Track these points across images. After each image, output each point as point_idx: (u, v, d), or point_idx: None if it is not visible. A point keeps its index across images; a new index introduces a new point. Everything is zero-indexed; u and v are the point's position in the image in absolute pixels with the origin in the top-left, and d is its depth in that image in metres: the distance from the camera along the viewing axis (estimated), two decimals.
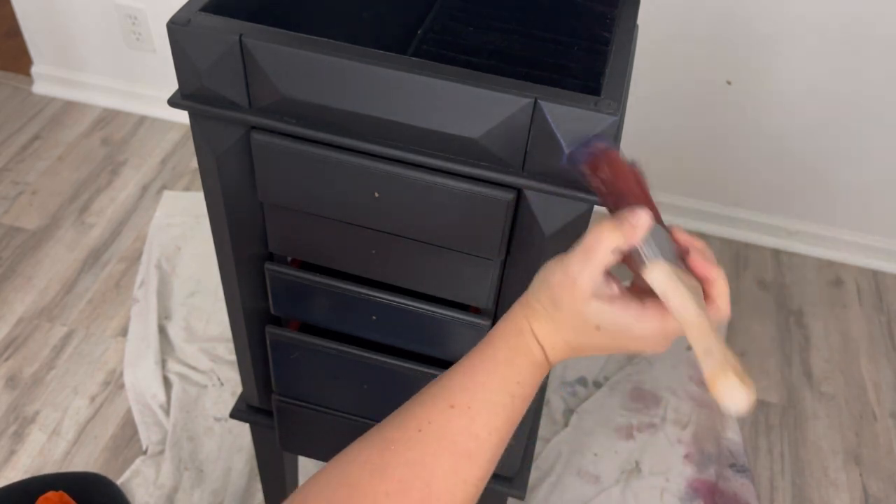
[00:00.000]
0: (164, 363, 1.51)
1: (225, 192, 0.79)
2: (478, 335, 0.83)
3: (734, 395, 0.45)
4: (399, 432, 0.52)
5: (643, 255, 0.53)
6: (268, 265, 0.85)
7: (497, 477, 1.04)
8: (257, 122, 0.70)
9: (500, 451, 0.54)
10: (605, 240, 0.53)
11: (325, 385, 0.96)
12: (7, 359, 1.52)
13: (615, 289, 0.54)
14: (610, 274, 0.54)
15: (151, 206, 1.85)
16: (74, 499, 0.83)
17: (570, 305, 0.53)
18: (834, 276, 1.85)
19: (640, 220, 0.53)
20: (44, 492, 0.82)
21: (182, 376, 1.49)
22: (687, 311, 0.49)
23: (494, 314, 0.83)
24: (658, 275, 0.51)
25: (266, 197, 0.77)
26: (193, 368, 1.51)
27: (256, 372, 1.01)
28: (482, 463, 0.53)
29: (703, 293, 0.53)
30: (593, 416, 1.50)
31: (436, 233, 0.74)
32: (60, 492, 0.82)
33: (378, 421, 0.94)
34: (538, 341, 0.55)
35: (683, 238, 0.55)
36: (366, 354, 0.89)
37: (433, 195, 0.70)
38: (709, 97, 1.70)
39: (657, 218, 0.55)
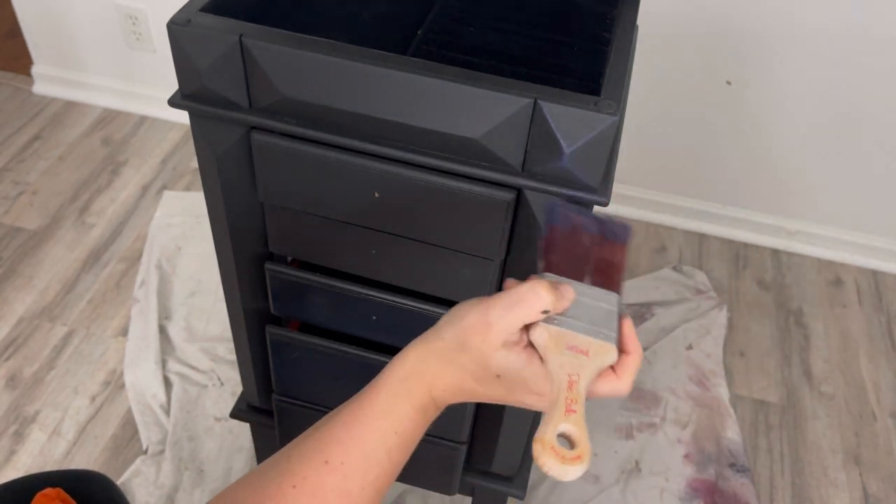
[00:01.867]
0: (164, 363, 1.51)
1: (225, 192, 0.79)
2: None
3: (547, 465, 0.47)
4: (275, 488, 0.51)
5: (554, 318, 0.53)
6: (268, 265, 0.85)
7: (497, 477, 1.04)
8: (257, 122, 0.70)
9: (377, 501, 0.53)
10: (541, 298, 0.52)
11: (325, 385, 0.96)
12: (7, 359, 1.52)
13: (525, 341, 0.53)
14: (523, 329, 0.53)
15: (151, 206, 1.85)
16: (72, 496, 0.83)
17: (477, 349, 0.52)
18: (834, 276, 1.85)
19: (569, 294, 0.54)
20: (42, 489, 0.82)
21: (182, 376, 1.49)
22: (551, 363, 0.51)
23: None
24: (541, 330, 0.52)
25: (266, 197, 0.77)
26: (193, 368, 1.51)
27: (256, 372, 1.01)
28: None
29: (616, 365, 0.53)
30: (593, 416, 1.50)
31: (436, 233, 0.74)
32: (58, 488, 0.82)
33: None
34: (427, 383, 0.53)
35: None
36: (366, 354, 0.89)
37: (433, 195, 0.70)
38: (709, 97, 1.70)
39: (614, 283, 0.57)
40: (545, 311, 0.52)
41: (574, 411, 0.48)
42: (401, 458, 0.54)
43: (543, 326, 0.52)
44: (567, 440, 0.48)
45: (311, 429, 0.54)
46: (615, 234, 0.60)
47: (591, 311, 0.54)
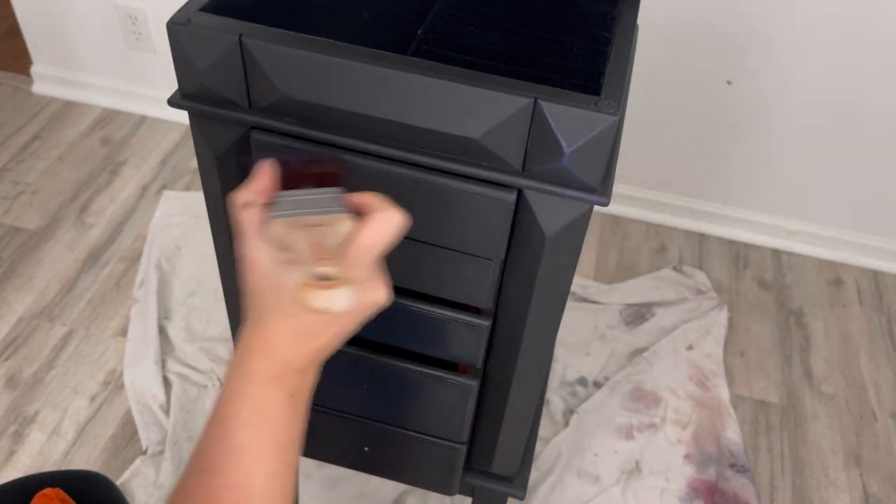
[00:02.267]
0: (164, 363, 1.51)
1: (225, 192, 0.79)
2: (478, 335, 0.83)
3: (315, 298, 0.47)
4: None
5: (273, 214, 0.56)
6: None
7: (497, 477, 1.04)
8: (257, 122, 0.70)
9: (279, 482, 0.52)
10: (235, 201, 0.55)
11: (325, 385, 0.96)
12: (7, 359, 1.52)
13: (291, 251, 0.53)
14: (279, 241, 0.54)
15: (151, 206, 1.85)
16: (72, 496, 0.83)
17: (260, 286, 0.52)
18: (834, 276, 1.85)
19: (259, 168, 0.56)
20: (41, 489, 0.82)
21: (182, 376, 1.49)
22: (296, 242, 0.53)
23: (494, 314, 0.83)
24: (274, 226, 0.54)
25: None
26: (193, 368, 1.51)
27: None
28: None
29: (367, 214, 0.55)
30: (593, 416, 1.50)
31: (436, 233, 0.74)
32: (57, 489, 0.82)
33: (378, 421, 0.94)
34: (259, 353, 0.52)
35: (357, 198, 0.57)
36: (366, 354, 0.89)
37: (433, 195, 0.70)
38: (709, 97, 1.70)
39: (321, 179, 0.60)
40: (247, 203, 0.55)
41: (325, 258, 0.50)
42: (274, 430, 0.52)
43: (273, 223, 0.54)
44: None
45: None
46: (326, 155, 0.67)
47: (314, 203, 0.57)
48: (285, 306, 0.51)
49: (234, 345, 0.55)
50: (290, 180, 0.61)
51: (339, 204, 0.57)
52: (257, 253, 0.53)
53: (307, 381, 0.54)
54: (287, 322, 0.52)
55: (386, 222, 0.54)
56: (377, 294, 0.53)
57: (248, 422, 0.51)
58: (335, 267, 0.49)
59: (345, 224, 0.54)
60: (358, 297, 0.50)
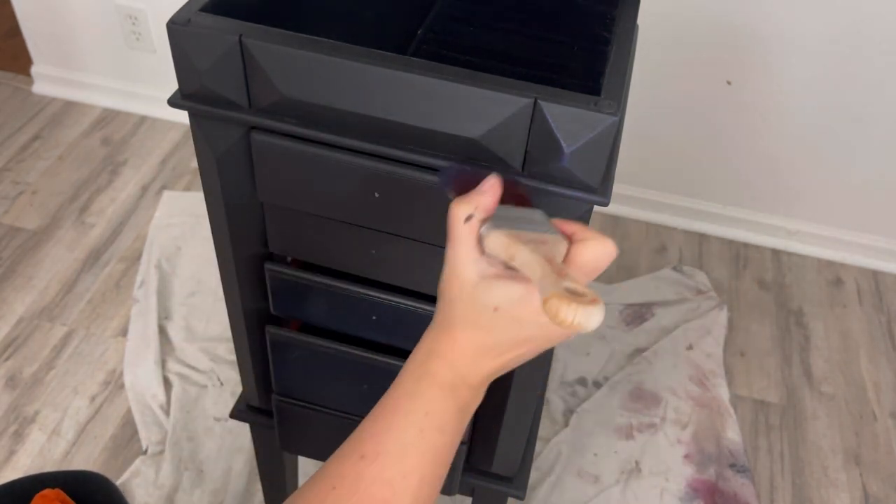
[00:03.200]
0: (164, 363, 1.51)
1: (225, 192, 0.79)
2: None
3: (570, 312, 0.44)
4: (314, 493, 0.50)
5: (491, 226, 0.52)
6: (268, 265, 0.85)
7: (497, 477, 1.04)
8: (257, 122, 0.70)
9: (426, 492, 0.52)
10: (455, 213, 0.52)
11: (325, 385, 0.96)
12: (7, 359, 1.52)
13: (499, 267, 0.52)
14: (489, 257, 0.52)
15: (151, 206, 1.85)
16: (71, 496, 0.83)
17: (461, 296, 0.51)
18: (834, 276, 1.85)
19: (486, 184, 0.53)
20: (41, 489, 0.82)
21: (182, 376, 1.49)
22: (522, 255, 0.49)
23: None
24: (496, 237, 0.51)
25: (266, 197, 0.77)
26: (193, 368, 1.51)
27: (256, 372, 1.01)
28: None
29: (580, 239, 0.52)
30: (593, 416, 1.50)
31: (436, 233, 0.74)
32: (57, 489, 0.82)
33: None
34: (444, 359, 0.52)
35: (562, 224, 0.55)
36: (366, 354, 0.89)
37: (433, 195, 0.70)
38: (709, 97, 1.70)
39: (520, 201, 0.57)
40: (469, 216, 0.52)
41: (566, 274, 0.47)
42: (441, 440, 0.52)
43: (494, 233, 0.51)
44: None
45: (347, 439, 0.54)
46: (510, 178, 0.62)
47: (530, 221, 0.54)
48: (479, 319, 0.51)
49: (420, 344, 0.54)
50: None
51: (550, 225, 0.54)
52: (468, 265, 0.52)
53: (476, 400, 0.54)
54: (477, 335, 0.52)
55: (604, 249, 0.51)
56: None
57: (418, 423, 0.51)
58: (582, 286, 0.46)
59: (563, 246, 0.52)
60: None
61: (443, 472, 0.53)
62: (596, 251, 0.51)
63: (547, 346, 0.54)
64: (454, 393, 0.52)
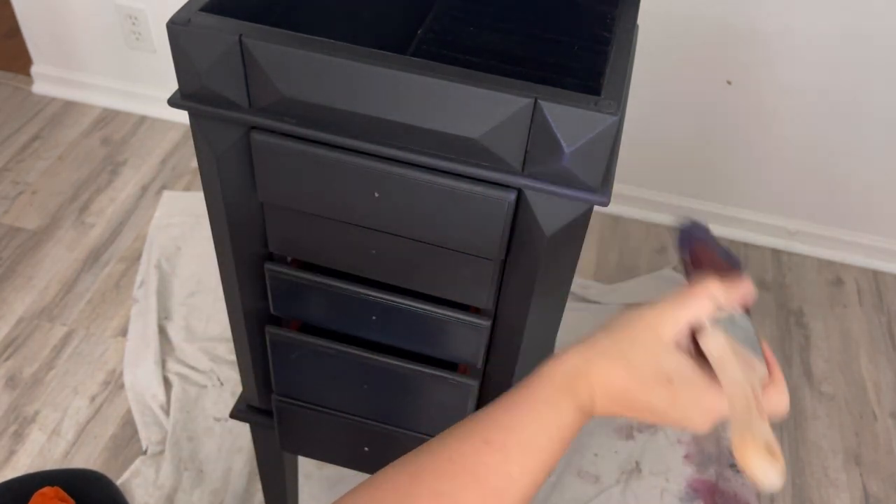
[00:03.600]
0: (164, 363, 1.51)
1: (225, 192, 0.79)
2: (478, 335, 0.83)
3: (761, 468, 0.45)
4: (430, 462, 0.51)
5: (719, 323, 0.52)
6: (268, 265, 0.85)
7: None
8: (257, 122, 0.70)
9: (532, 493, 0.52)
10: (710, 289, 0.52)
11: (325, 385, 0.96)
12: (7, 359, 1.52)
13: (693, 350, 0.52)
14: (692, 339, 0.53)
15: (151, 206, 1.85)
16: (70, 495, 0.83)
17: (645, 343, 0.51)
18: (834, 276, 1.85)
19: (743, 286, 0.53)
20: (40, 487, 0.82)
21: (182, 376, 1.49)
22: (732, 370, 0.49)
23: (494, 314, 0.82)
24: (718, 342, 0.51)
25: (266, 197, 0.77)
26: (193, 368, 1.51)
27: (256, 372, 1.01)
28: (510, 501, 0.51)
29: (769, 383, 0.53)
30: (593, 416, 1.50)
31: (436, 233, 0.74)
32: (56, 487, 0.82)
33: (378, 421, 0.95)
34: (590, 384, 0.52)
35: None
36: (366, 354, 0.89)
37: (433, 195, 0.70)
38: (709, 97, 1.70)
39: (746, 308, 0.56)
40: (713, 297, 0.52)
41: (765, 419, 0.47)
42: (559, 452, 0.52)
43: (720, 335, 0.51)
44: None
45: (459, 422, 0.54)
46: (732, 259, 0.61)
47: (747, 333, 0.53)
48: (645, 375, 0.51)
49: (574, 354, 0.54)
50: (710, 273, 0.58)
51: (759, 348, 0.54)
52: (676, 326, 0.51)
53: (578, 428, 0.55)
54: (633, 386, 0.51)
55: (785, 399, 0.52)
56: (692, 428, 0.52)
57: (549, 432, 0.52)
58: (774, 438, 0.47)
59: (764, 376, 0.52)
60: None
61: (542, 481, 0.54)
62: (782, 399, 0.52)
63: (670, 425, 0.54)
64: (582, 417, 0.53)
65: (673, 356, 0.51)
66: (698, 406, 0.50)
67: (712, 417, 0.51)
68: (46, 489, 0.82)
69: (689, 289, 0.52)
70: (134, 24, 1.95)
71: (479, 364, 0.87)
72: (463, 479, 0.50)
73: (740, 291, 0.54)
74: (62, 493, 0.82)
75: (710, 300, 0.52)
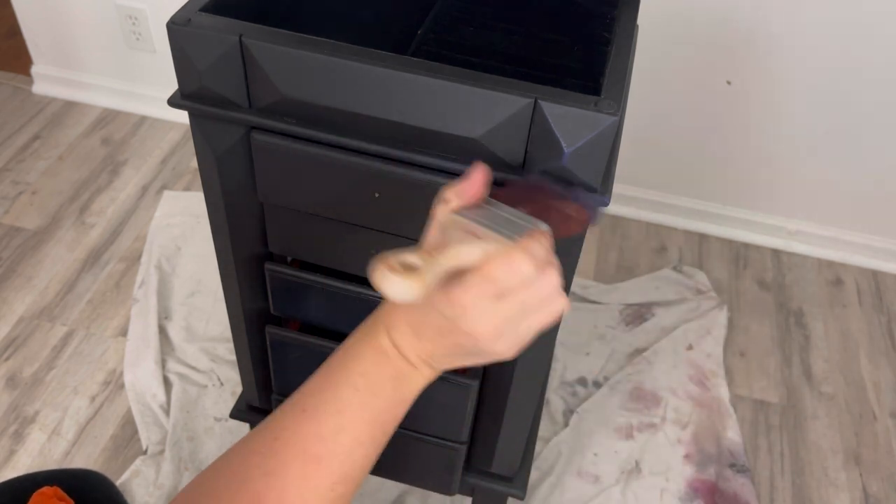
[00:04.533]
0: (164, 363, 1.51)
1: (225, 192, 0.79)
2: None
3: (383, 277, 0.47)
4: (259, 441, 0.52)
5: (462, 214, 0.54)
6: (268, 265, 0.85)
7: (497, 477, 1.04)
8: (257, 122, 0.70)
9: (359, 454, 0.52)
10: (440, 193, 0.55)
11: None
12: (7, 359, 1.52)
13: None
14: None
15: (151, 206, 1.85)
16: (69, 495, 0.83)
17: None
18: (834, 276, 1.85)
19: (474, 180, 0.55)
20: (39, 487, 0.82)
21: (182, 376, 1.49)
22: (450, 247, 0.51)
23: None
24: (442, 214, 0.54)
25: (266, 197, 0.77)
26: (193, 368, 1.51)
27: (256, 372, 1.01)
28: (334, 467, 0.51)
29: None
30: (593, 416, 1.50)
31: None
32: (55, 487, 0.82)
33: None
34: (384, 326, 0.54)
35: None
36: None
37: (433, 195, 0.70)
38: (709, 97, 1.70)
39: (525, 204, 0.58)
40: (446, 200, 0.54)
41: (429, 253, 0.49)
42: (375, 404, 0.53)
43: (454, 219, 0.54)
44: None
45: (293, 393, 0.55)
46: (587, 205, 0.62)
47: (504, 222, 0.55)
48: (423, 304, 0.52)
49: (375, 312, 0.57)
50: (521, 199, 0.59)
51: (517, 232, 0.54)
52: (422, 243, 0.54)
53: (416, 377, 0.55)
54: (410, 313, 0.53)
55: (507, 263, 0.49)
56: (492, 340, 0.51)
57: (354, 382, 0.53)
58: (426, 261, 0.48)
59: (493, 245, 0.51)
60: (422, 296, 0.48)
61: (380, 437, 0.54)
62: (497, 262, 0.49)
63: (469, 357, 0.53)
64: (388, 360, 0.54)
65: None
66: (452, 303, 0.50)
67: (482, 317, 0.50)
68: (45, 489, 0.82)
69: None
70: (134, 24, 1.95)
71: None
72: (285, 454, 0.51)
73: (469, 178, 0.55)
74: (61, 493, 0.82)
75: (444, 203, 0.54)
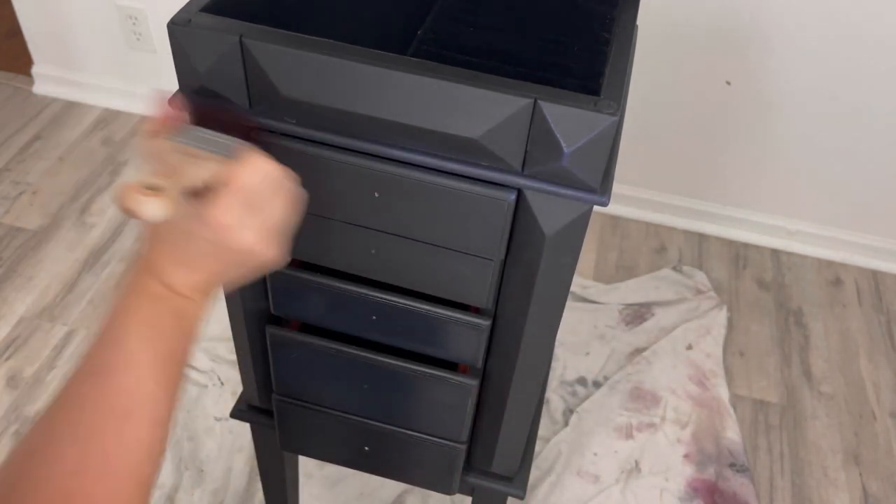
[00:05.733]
0: None
1: None
2: (478, 335, 0.83)
3: (123, 201, 0.50)
4: (62, 412, 0.52)
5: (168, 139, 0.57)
6: None
7: (497, 476, 1.04)
8: (257, 122, 0.70)
9: (164, 396, 0.54)
10: (142, 129, 0.58)
11: (325, 385, 0.97)
12: (8, 359, 1.52)
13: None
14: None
15: None
16: None
17: None
18: (834, 276, 1.85)
19: (160, 101, 0.59)
20: None
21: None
22: (160, 165, 0.55)
23: (494, 314, 0.83)
24: (162, 150, 0.56)
25: None
26: (193, 368, 1.51)
27: (256, 372, 1.01)
28: (144, 416, 0.52)
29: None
30: (593, 416, 1.50)
31: (436, 233, 0.74)
32: None
33: (378, 421, 0.95)
34: (149, 273, 0.56)
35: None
36: (366, 354, 0.89)
37: (433, 195, 0.70)
38: (709, 97, 1.70)
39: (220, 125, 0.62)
40: (151, 132, 0.57)
41: (167, 175, 0.52)
42: (163, 345, 0.55)
43: (166, 143, 0.56)
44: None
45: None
46: (247, 116, 0.68)
47: (210, 142, 0.59)
48: (165, 235, 0.56)
49: (132, 266, 0.59)
50: (209, 122, 0.63)
51: (229, 151, 0.58)
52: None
53: (195, 308, 0.58)
54: (168, 249, 0.56)
55: (252, 168, 0.56)
56: (258, 247, 0.56)
57: (140, 333, 0.54)
58: (167, 181, 0.51)
59: (216, 163, 0.56)
60: (174, 212, 0.52)
61: (177, 372, 0.56)
62: (243, 170, 0.55)
63: (240, 270, 0.58)
64: (166, 301, 0.56)
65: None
66: (202, 223, 0.54)
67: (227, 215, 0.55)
68: None
69: None
70: (134, 24, 1.95)
71: (479, 364, 0.87)
72: (93, 417, 0.51)
73: (160, 111, 0.59)
74: None
75: (146, 134, 0.57)
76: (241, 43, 0.66)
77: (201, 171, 0.55)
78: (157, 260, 0.56)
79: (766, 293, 1.79)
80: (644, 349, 1.62)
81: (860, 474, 1.47)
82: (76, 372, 0.54)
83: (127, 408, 0.52)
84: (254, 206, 0.56)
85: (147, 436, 0.52)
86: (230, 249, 0.56)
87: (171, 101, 0.60)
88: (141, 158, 0.58)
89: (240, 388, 1.46)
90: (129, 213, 0.50)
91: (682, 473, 1.43)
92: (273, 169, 0.57)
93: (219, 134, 0.60)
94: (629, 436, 1.48)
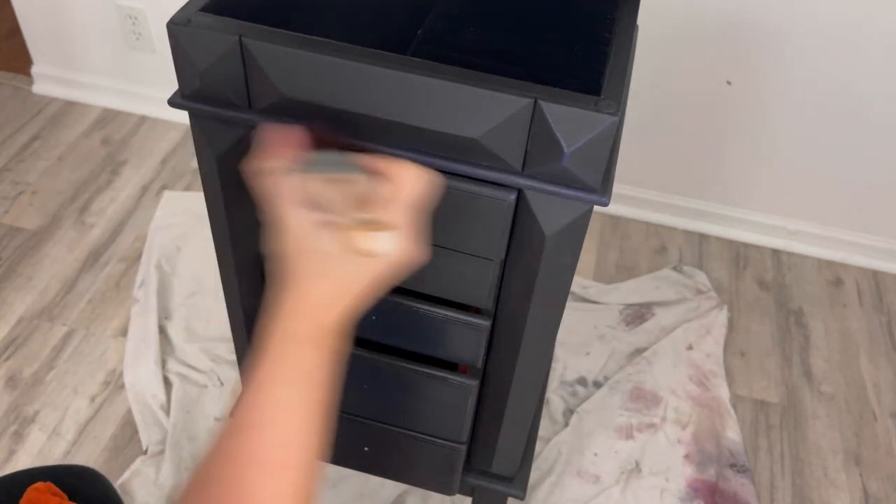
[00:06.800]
0: (164, 363, 1.51)
1: (225, 192, 0.79)
2: (478, 335, 0.83)
3: (365, 242, 0.50)
4: (214, 465, 0.52)
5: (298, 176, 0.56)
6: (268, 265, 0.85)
7: (497, 477, 1.04)
8: (257, 122, 0.70)
9: (316, 442, 0.54)
10: (258, 168, 0.56)
11: None
12: (7, 359, 1.52)
13: (322, 211, 0.55)
14: (309, 204, 0.56)
15: (151, 206, 1.85)
16: (64, 490, 0.83)
17: (298, 250, 0.54)
18: (834, 276, 1.85)
19: (271, 136, 0.57)
20: (33, 483, 0.82)
21: (182, 376, 1.49)
22: (324, 194, 0.54)
23: (494, 314, 0.83)
24: (305, 183, 0.55)
25: None
26: (193, 368, 1.51)
27: None
28: (296, 465, 0.52)
29: (388, 173, 0.57)
30: (593, 416, 1.50)
31: (436, 233, 0.74)
32: (49, 483, 0.82)
33: (378, 421, 0.95)
34: (302, 318, 0.55)
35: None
36: (366, 354, 0.89)
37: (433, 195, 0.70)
38: (709, 97, 1.70)
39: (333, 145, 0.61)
40: (273, 169, 0.56)
41: (363, 207, 0.52)
42: (318, 393, 0.54)
43: (309, 177, 0.55)
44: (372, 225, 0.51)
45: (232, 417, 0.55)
46: (329, 128, 0.67)
47: (335, 162, 0.58)
48: (324, 268, 0.54)
49: (273, 309, 0.56)
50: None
51: (355, 164, 0.58)
52: (294, 217, 0.55)
53: (342, 341, 0.57)
54: (328, 284, 0.54)
55: (413, 178, 0.56)
56: (412, 250, 0.55)
57: (292, 381, 0.53)
58: (376, 213, 0.51)
59: (360, 183, 0.55)
60: (401, 243, 0.52)
61: (326, 415, 0.56)
62: (408, 183, 0.55)
63: (392, 278, 0.57)
64: (320, 345, 0.55)
65: (314, 237, 0.54)
66: (402, 214, 0.54)
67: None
68: (39, 484, 0.82)
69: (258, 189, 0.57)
70: (134, 24, 1.95)
71: (479, 364, 0.87)
72: (243, 469, 0.51)
73: (279, 141, 0.58)
74: (55, 489, 0.82)
75: (275, 173, 0.56)
76: (240, 43, 0.66)
77: (366, 193, 0.54)
78: (311, 298, 0.55)
79: (767, 293, 1.79)
80: (644, 349, 1.62)
81: (860, 474, 1.47)
82: (230, 424, 0.53)
83: (281, 460, 0.51)
84: (419, 208, 0.56)
85: (301, 483, 0.52)
86: (400, 262, 0.55)
87: (289, 134, 0.59)
88: (287, 198, 0.55)
89: (240, 389, 1.46)
90: (366, 255, 0.49)
91: (682, 474, 1.43)
92: (423, 172, 0.57)
93: (335, 153, 0.59)
94: (629, 436, 1.47)
